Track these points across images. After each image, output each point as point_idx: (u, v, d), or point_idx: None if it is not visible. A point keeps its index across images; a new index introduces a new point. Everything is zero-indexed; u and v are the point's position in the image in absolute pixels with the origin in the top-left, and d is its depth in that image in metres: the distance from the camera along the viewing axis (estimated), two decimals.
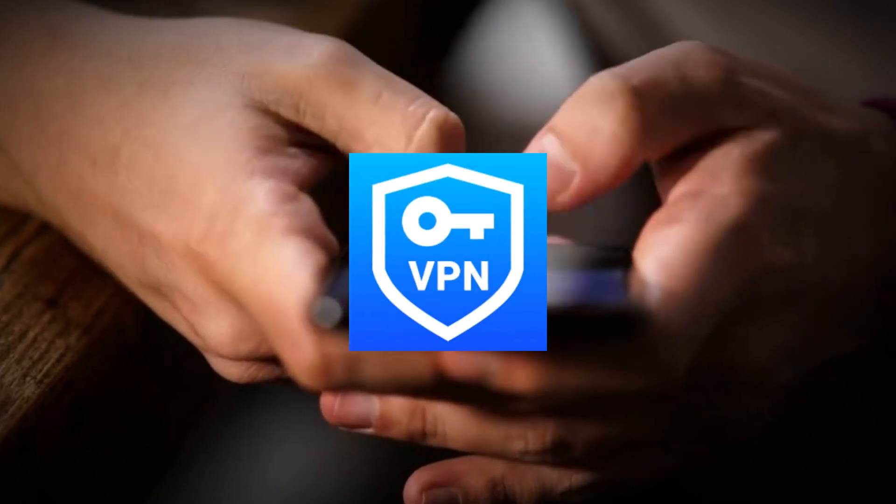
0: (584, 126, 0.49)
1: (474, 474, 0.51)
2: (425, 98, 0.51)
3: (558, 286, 0.47)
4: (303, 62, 0.52)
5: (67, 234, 0.56)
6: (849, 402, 0.80)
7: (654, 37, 0.82)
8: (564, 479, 0.52)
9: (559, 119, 0.49)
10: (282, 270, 0.47)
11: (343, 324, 0.45)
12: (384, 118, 0.51)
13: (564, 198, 0.49)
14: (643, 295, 0.46)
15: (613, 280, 0.47)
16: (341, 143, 0.52)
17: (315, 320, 0.45)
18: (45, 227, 0.58)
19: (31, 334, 0.55)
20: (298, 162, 0.51)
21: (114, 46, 0.54)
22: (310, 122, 0.52)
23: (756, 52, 0.52)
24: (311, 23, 0.71)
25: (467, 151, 0.50)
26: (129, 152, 0.52)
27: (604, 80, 0.49)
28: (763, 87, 0.51)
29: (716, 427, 0.52)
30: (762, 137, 0.50)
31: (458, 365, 0.46)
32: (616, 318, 0.44)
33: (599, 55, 0.89)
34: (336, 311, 0.45)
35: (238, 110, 0.51)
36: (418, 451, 0.52)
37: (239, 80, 0.52)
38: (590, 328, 0.45)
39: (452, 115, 0.51)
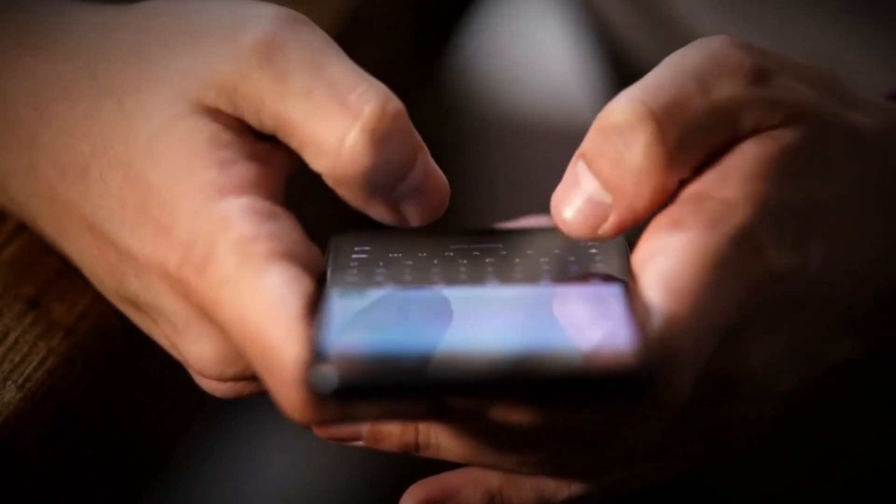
0: (610, 157, 0.48)
1: (470, 487, 0.50)
2: (361, 90, 0.49)
3: (554, 322, 0.46)
4: (234, 53, 0.50)
5: (44, 238, 0.55)
6: (849, 402, 0.79)
7: (667, 30, 0.81)
8: (563, 488, 0.51)
9: (587, 146, 0.48)
10: (268, 301, 0.46)
11: (341, 391, 0.43)
12: (315, 117, 0.49)
13: (606, 229, 0.48)
14: (647, 323, 0.45)
15: (616, 314, 0.45)
16: (280, 138, 0.50)
17: (312, 387, 0.43)
18: (26, 226, 0.56)
19: (11, 336, 0.54)
20: (265, 166, 0.50)
21: (73, 50, 0.53)
22: (248, 118, 0.50)
23: (769, 46, 0.51)
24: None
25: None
26: (99, 170, 0.51)
27: (623, 109, 0.48)
28: (791, 83, 0.50)
29: (716, 432, 0.51)
30: (784, 137, 0.49)
31: (457, 403, 0.45)
32: (623, 381, 0.43)
33: (607, 47, 0.88)
34: (333, 379, 0.43)
35: (188, 119, 0.49)
36: (412, 460, 0.51)
37: (180, 81, 0.50)
38: (595, 391, 0.43)
39: (391, 107, 0.49)
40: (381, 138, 0.48)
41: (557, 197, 0.49)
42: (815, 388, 0.54)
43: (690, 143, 0.48)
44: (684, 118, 0.48)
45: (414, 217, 0.51)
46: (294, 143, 0.50)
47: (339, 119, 0.48)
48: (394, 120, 0.49)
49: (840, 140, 0.50)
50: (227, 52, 0.50)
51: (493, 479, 0.50)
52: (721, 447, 0.52)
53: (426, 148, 0.50)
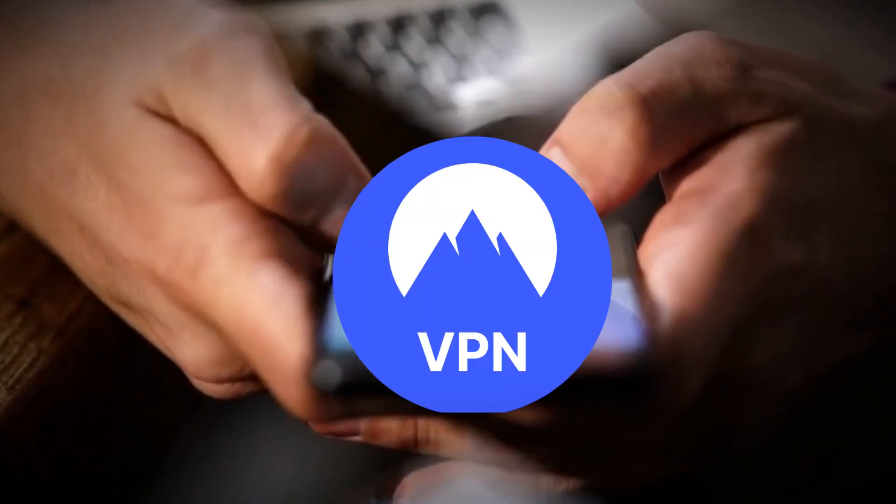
0: (591, 139, 0.47)
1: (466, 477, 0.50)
2: (277, 111, 0.46)
3: None
4: (171, 58, 0.48)
5: (34, 236, 0.55)
6: (849, 402, 0.79)
7: (667, 29, 0.80)
8: (562, 481, 0.50)
9: (565, 131, 0.47)
10: (265, 299, 0.46)
11: (343, 388, 0.43)
12: (230, 137, 0.47)
13: None
14: (655, 321, 0.44)
15: (623, 311, 0.45)
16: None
17: (315, 384, 0.43)
18: (16, 224, 0.56)
19: (1, 337, 0.53)
20: None
21: (53, 50, 0.52)
22: (182, 123, 0.48)
23: (771, 38, 0.50)
24: None
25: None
26: (86, 174, 0.50)
27: (610, 89, 0.47)
28: (779, 77, 0.49)
29: (718, 433, 0.51)
30: (778, 130, 0.48)
31: None
32: (630, 380, 0.42)
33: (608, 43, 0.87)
34: (336, 376, 0.43)
35: (142, 122, 0.48)
36: (411, 459, 0.50)
37: (126, 83, 0.49)
38: (602, 390, 0.43)
39: (305, 131, 0.46)
40: (291, 165, 0.46)
41: None
42: (816, 388, 0.53)
43: (674, 130, 0.47)
44: (671, 103, 0.47)
45: None
46: (219, 155, 0.48)
47: (250, 142, 0.46)
48: (307, 145, 0.46)
49: (836, 133, 0.50)
50: (166, 57, 0.48)
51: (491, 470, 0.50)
52: (723, 448, 0.52)
53: (363, 170, 0.48)
